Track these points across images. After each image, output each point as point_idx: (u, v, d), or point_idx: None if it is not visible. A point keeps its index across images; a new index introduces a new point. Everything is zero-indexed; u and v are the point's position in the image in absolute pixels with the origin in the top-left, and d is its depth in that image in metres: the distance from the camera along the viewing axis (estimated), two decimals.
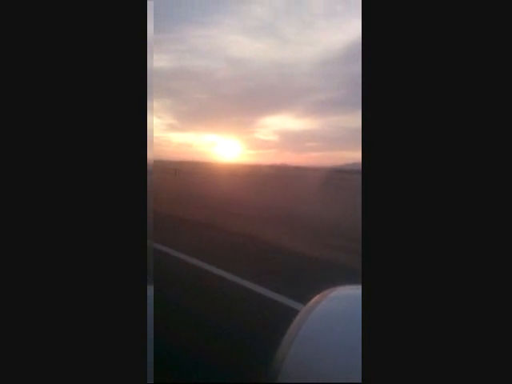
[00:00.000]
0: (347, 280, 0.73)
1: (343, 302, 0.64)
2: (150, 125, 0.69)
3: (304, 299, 0.66)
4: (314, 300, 0.63)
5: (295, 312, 0.61)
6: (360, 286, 0.63)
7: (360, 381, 0.50)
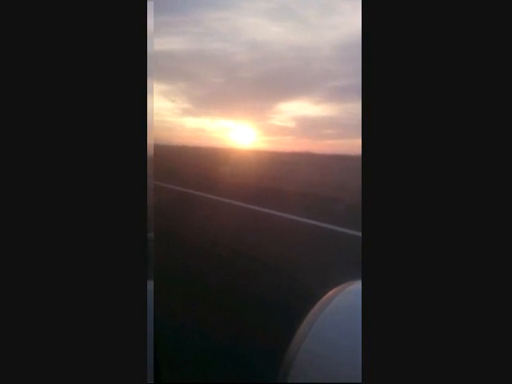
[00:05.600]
0: None
1: (360, 296, 0.62)
2: (151, 109, 0.69)
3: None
4: (329, 294, 0.62)
5: None
6: None
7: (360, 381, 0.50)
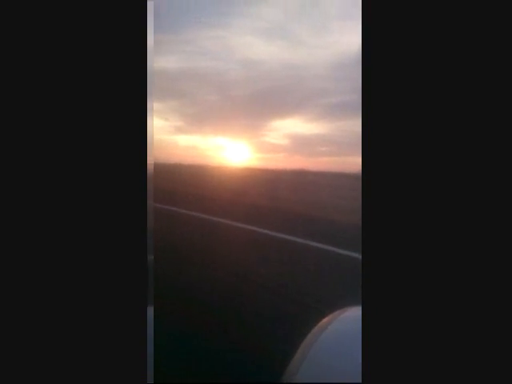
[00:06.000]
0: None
1: (354, 323, 0.62)
2: (151, 127, 0.70)
3: None
4: (324, 321, 0.63)
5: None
6: None
7: None
